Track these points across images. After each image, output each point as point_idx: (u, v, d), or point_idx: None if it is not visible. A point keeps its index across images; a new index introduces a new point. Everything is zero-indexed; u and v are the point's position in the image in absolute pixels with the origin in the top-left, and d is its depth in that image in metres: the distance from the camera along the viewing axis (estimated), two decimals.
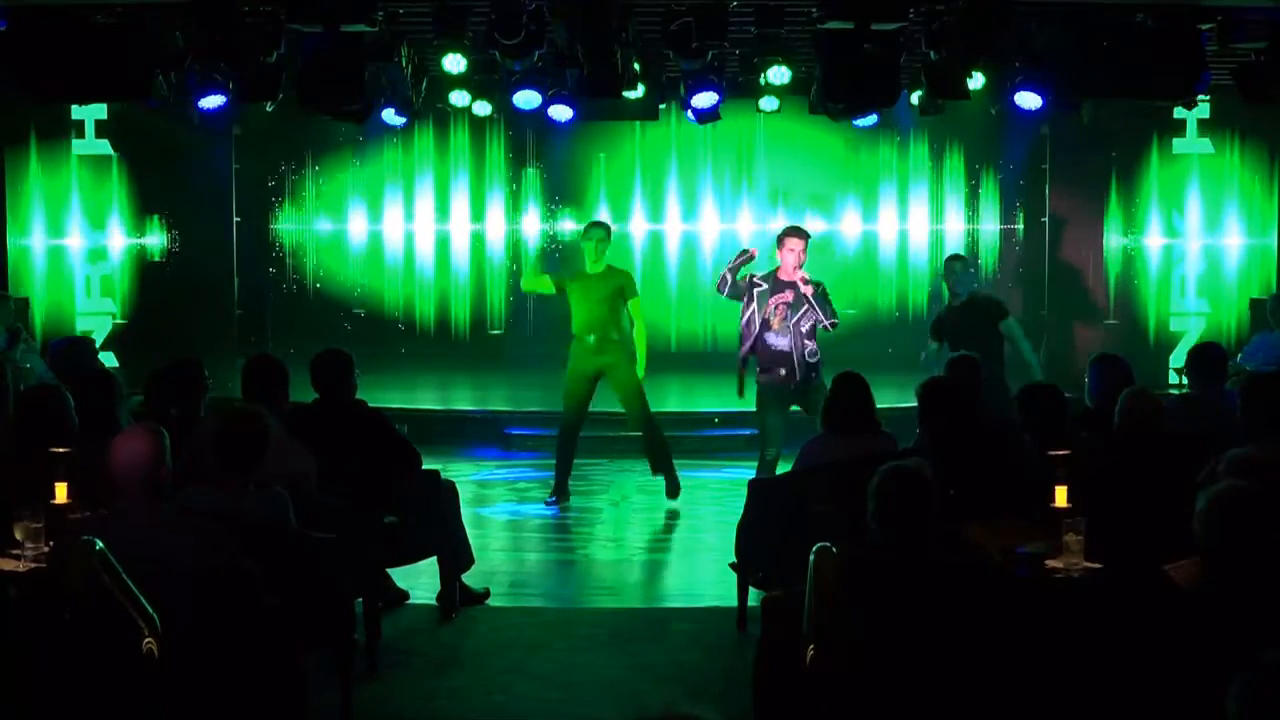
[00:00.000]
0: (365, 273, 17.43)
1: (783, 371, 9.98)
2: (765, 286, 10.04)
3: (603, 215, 16.45)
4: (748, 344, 10.02)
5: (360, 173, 17.27)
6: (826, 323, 10.01)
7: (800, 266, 10.05)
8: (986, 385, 8.50)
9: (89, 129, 14.84)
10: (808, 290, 9.99)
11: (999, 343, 10.99)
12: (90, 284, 15.06)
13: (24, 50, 9.48)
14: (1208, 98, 13.19)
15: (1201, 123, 15.12)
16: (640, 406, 10.88)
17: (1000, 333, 11.05)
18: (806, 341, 10.00)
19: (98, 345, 13.69)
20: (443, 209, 17.40)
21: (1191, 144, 15.34)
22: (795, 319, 9.97)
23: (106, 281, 15.04)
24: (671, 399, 11.24)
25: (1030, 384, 7.58)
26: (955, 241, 17.20)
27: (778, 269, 10.10)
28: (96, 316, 15.01)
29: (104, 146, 14.86)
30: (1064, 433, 6.64)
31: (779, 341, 9.99)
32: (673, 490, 10.95)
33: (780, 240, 10.19)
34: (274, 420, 6.61)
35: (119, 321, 15.01)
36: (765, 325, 9.98)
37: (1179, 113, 14.55)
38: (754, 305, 10.01)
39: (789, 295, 10.00)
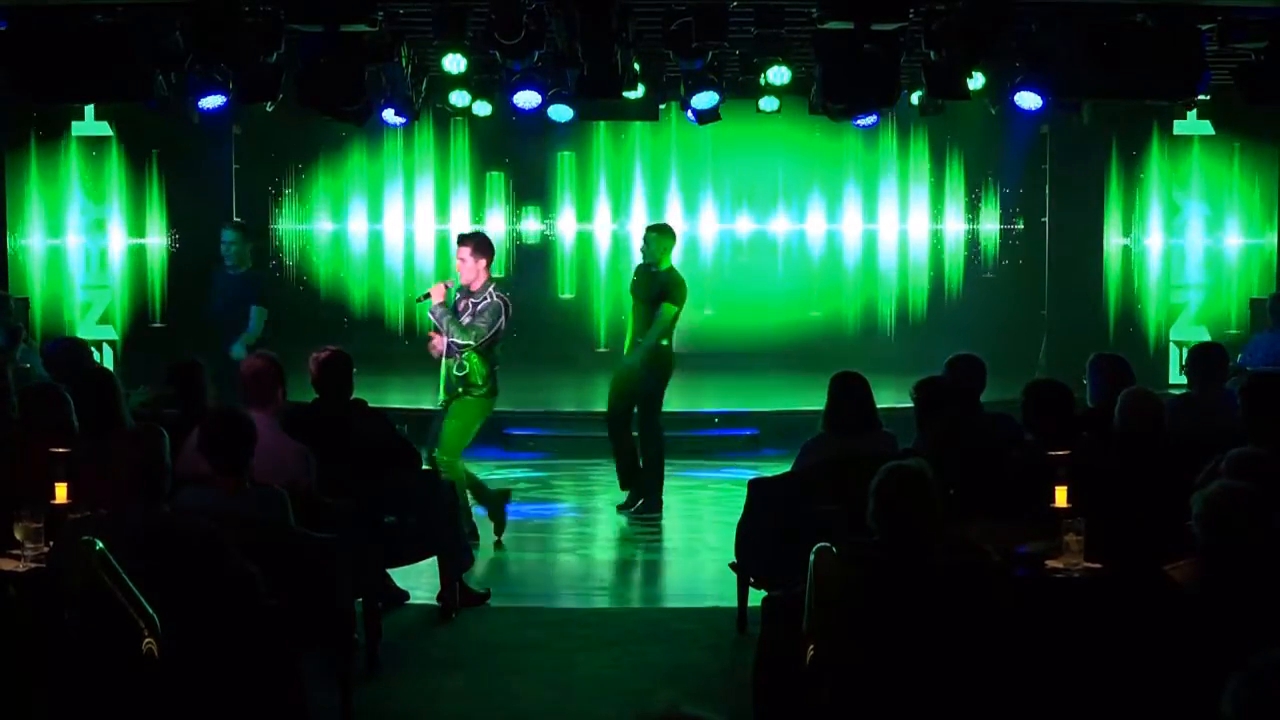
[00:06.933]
0: (366, 272, 17.40)
1: None
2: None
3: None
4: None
5: (360, 172, 17.23)
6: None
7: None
8: None
9: (88, 130, 14.86)
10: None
11: None
12: (89, 284, 15.07)
13: (24, 50, 9.48)
14: (1208, 97, 13.19)
15: (1201, 122, 15.12)
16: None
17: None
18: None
19: (94, 346, 13.69)
20: (443, 209, 17.38)
21: (1191, 144, 15.35)
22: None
23: (106, 281, 15.04)
24: (671, 399, 11.21)
25: (1037, 380, 7.51)
26: (955, 242, 17.20)
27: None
28: (95, 317, 15.02)
29: (103, 136, 14.87)
30: (1068, 431, 6.64)
31: None
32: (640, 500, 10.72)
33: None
34: (272, 420, 6.61)
35: (117, 320, 15.03)
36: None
37: (1179, 113, 14.56)
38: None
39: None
